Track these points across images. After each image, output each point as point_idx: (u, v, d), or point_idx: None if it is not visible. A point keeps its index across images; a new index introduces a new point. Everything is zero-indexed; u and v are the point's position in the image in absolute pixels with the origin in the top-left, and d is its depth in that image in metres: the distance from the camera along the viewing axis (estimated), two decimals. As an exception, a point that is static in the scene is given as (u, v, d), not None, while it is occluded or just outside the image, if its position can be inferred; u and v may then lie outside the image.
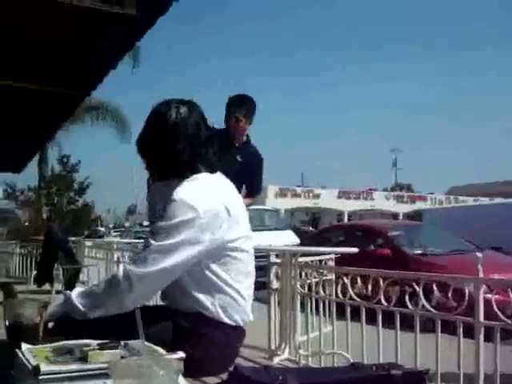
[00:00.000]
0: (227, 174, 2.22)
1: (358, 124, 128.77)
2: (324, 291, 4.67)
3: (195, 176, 2.07)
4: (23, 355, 1.49)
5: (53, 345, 1.60)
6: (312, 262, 5.11)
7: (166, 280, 1.95)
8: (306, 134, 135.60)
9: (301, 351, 4.64)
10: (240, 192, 3.28)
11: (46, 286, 8.56)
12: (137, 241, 10.31)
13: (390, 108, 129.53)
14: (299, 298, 4.76)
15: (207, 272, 2.00)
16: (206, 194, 2.01)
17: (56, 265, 8.56)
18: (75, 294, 1.95)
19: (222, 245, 1.99)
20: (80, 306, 1.91)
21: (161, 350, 1.59)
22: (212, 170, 2.12)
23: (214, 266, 2.00)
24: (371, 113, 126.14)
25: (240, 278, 2.07)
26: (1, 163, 10.60)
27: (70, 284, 8.30)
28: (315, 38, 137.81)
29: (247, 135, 4.73)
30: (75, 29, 4.94)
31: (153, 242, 1.92)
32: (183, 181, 2.05)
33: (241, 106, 4.49)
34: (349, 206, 43.28)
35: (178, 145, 2.07)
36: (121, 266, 1.93)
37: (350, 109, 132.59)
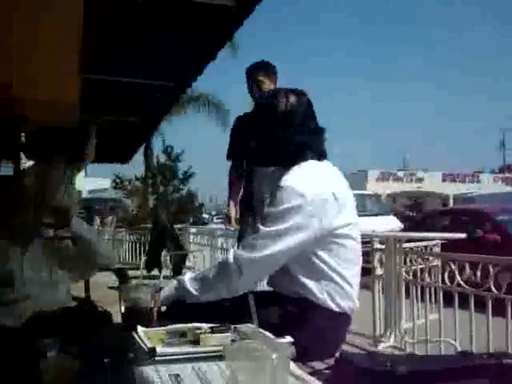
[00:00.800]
0: None
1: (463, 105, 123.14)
2: (430, 278, 4.55)
3: (303, 163, 2.09)
4: (139, 338, 1.57)
5: (166, 328, 1.68)
6: (417, 247, 5.00)
7: (274, 265, 1.98)
8: (409, 116, 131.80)
9: (406, 338, 4.56)
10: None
11: (155, 272, 8.93)
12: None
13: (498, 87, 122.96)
14: (404, 284, 4.68)
15: (315, 258, 2.01)
16: (314, 180, 2.03)
17: (164, 251, 8.89)
18: (187, 279, 2.03)
19: (329, 231, 2.00)
20: (192, 290, 1.98)
21: (269, 334, 1.63)
22: (319, 158, 2.13)
23: (321, 253, 2.01)
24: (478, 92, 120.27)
25: (347, 265, 2.07)
26: (109, 155, 11.09)
27: (176, 269, 8.62)
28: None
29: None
30: (176, 23, 5.08)
31: (261, 227, 1.96)
32: (291, 168, 2.08)
33: (257, 69, 4.19)
34: (454, 189, 41.59)
35: (287, 132, 2.10)
36: (231, 251, 1.99)
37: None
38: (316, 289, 2.01)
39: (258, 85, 4.09)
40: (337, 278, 2.03)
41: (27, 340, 1.87)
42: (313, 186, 1.99)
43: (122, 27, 5.39)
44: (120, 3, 4.81)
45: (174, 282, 2.06)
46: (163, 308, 1.99)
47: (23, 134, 6.74)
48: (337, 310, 2.04)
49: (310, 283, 2.01)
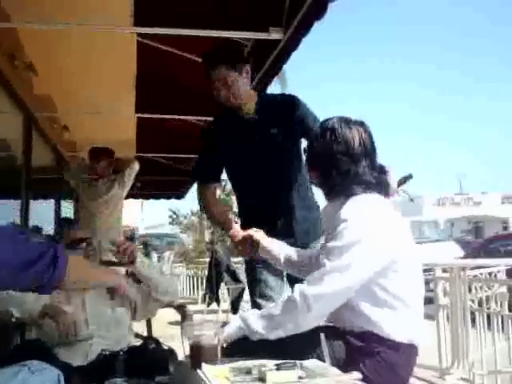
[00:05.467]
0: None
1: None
2: (496, 305, 4.39)
3: (358, 197, 2.08)
4: (204, 375, 1.56)
5: (231, 365, 1.66)
6: (481, 274, 4.84)
7: (341, 299, 1.94)
8: (463, 138, 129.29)
9: (474, 370, 4.39)
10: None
11: (214, 306, 8.95)
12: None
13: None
14: (469, 313, 4.53)
15: (376, 288, 1.97)
16: (373, 212, 2.02)
17: (221, 285, 8.91)
18: (252, 316, 2.02)
19: (391, 261, 1.96)
20: (259, 328, 1.96)
21: (335, 370, 1.59)
22: (369, 190, 2.11)
23: (383, 282, 1.97)
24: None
25: (410, 294, 2.03)
26: (166, 191, 11.34)
27: (234, 303, 8.61)
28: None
29: (255, 90, 3.19)
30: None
31: (326, 261, 1.95)
32: (347, 200, 2.07)
33: (213, 61, 2.96)
34: (513, 211, 40.19)
35: (349, 164, 2.09)
36: (296, 287, 1.97)
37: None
38: (380, 320, 1.97)
39: (216, 82, 2.92)
40: (401, 308, 1.98)
41: (94, 379, 1.90)
42: (372, 218, 1.99)
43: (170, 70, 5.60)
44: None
45: (238, 320, 2.04)
46: (225, 344, 1.98)
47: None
48: (403, 341, 1.98)
49: (374, 315, 1.97)
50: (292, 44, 3.88)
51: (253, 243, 2.54)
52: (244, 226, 2.84)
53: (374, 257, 1.93)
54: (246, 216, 3.06)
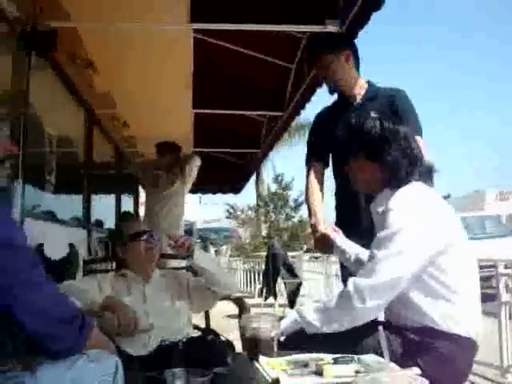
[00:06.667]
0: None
1: None
2: None
3: (405, 187, 2.06)
4: (262, 368, 1.57)
5: (288, 358, 1.67)
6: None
7: (394, 289, 1.91)
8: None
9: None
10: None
11: (270, 300, 8.98)
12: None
13: None
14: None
15: (430, 280, 1.93)
16: (422, 201, 2.01)
17: (278, 279, 8.92)
18: (308, 310, 2.02)
19: (441, 250, 1.93)
20: (315, 322, 1.96)
21: (393, 365, 1.57)
22: (416, 179, 2.09)
23: (435, 273, 1.93)
24: None
25: (465, 286, 1.98)
26: (223, 186, 11.46)
27: (291, 297, 8.61)
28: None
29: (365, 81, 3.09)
30: (284, 54, 5.21)
31: (376, 252, 1.93)
32: (396, 190, 2.06)
33: (316, 50, 3.11)
34: None
35: (400, 154, 2.07)
36: (350, 280, 1.95)
37: None
38: (436, 314, 1.93)
39: (321, 65, 3.04)
40: (456, 300, 1.94)
41: (154, 368, 1.94)
42: (419, 208, 1.97)
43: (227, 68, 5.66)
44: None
45: (294, 314, 2.05)
46: (282, 338, 1.99)
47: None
48: (461, 334, 1.93)
49: (430, 308, 1.93)
50: (351, 35, 3.83)
51: (329, 242, 2.61)
52: (339, 216, 3.01)
53: (423, 244, 1.91)
54: (341, 206, 3.10)
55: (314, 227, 2.89)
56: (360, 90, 3.02)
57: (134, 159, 7.83)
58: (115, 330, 2.25)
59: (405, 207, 1.97)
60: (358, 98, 3.00)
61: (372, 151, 2.12)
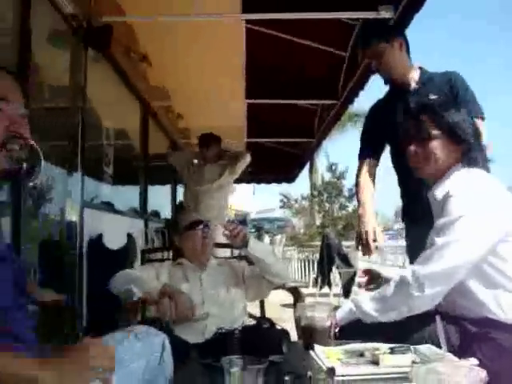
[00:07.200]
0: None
1: None
2: None
3: (463, 173, 2.01)
4: (317, 356, 1.57)
5: (344, 347, 1.66)
6: None
7: (454, 278, 1.87)
8: None
9: None
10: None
11: (325, 290, 8.95)
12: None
13: None
14: None
15: (489, 269, 1.88)
16: (482, 188, 1.96)
17: (333, 269, 8.89)
18: (364, 299, 2.00)
19: (501, 239, 1.88)
20: (371, 311, 1.95)
21: (450, 356, 1.54)
22: (477, 165, 2.04)
23: (495, 262, 1.88)
24: None
25: None
26: (277, 176, 11.48)
27: (346, 287, 8.56)
28: None
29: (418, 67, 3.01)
30: (337, 41, 5.15)
31: (436, 239, 1.89)
32: (455, 176, 2.02)
33: (367, 38, 3.06)
34: None
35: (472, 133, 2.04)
36: (408, 268, 1.93)
37: None
38: (495, 304, 1.87)
39: (374, 52, 3.00)
40: None
41: (210, 356, 1.97)
42: (482, 194, 1.92)
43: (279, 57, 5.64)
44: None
45: (350, 303, 2.04)
46: (337, 328, 1.98)
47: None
48: None
49: (488, 299, 1.88)
50: (404, 22, 3.75)
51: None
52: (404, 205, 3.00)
53: (484, 232, 1.85)
54: (407, 197, 3.04)
55: (360, 217, 2.91)
56: (414, 76, 2.95)
57: (177, 150, 7.82)
58: (172, 317, 2.29)
59: (466, 194, 1.92)
60: (413, 84, 2.94)
61: (445, 125, 2.04)
